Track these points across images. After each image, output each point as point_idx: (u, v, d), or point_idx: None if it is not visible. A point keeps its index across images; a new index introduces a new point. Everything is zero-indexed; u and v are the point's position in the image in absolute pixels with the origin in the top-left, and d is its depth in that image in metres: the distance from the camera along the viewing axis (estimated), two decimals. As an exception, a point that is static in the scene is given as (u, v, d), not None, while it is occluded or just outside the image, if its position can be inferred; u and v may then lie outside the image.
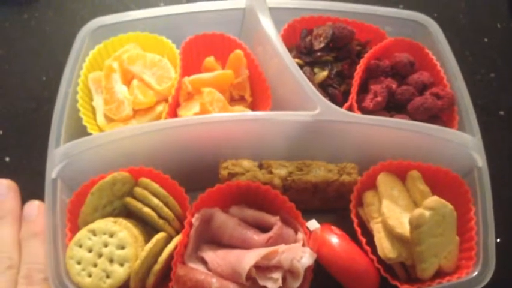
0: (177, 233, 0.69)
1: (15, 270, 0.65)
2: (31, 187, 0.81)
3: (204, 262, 0.68)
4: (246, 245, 0.68)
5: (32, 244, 0.67)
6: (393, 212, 0.69)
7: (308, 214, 0.70)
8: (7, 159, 0.87)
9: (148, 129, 0.71)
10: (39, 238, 0.67)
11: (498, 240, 0.79)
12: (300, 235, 0.69)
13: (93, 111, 0.81)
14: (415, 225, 0.65)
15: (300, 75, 0.76)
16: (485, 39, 1.04)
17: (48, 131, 0.73)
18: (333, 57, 0.85)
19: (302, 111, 0.73)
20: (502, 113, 0.96)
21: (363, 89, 0.85)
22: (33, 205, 0.70)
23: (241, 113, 0.79)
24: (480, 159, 0.74)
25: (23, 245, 0.67)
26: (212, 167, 0.73)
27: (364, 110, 0.81)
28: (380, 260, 0.68)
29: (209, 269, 0.66)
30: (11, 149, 0.88)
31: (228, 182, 0.70)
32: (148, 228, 0.70)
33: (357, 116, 0.75)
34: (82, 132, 0.76)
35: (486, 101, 0.95)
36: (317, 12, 0.89)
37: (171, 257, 0.66)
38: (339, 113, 0.73)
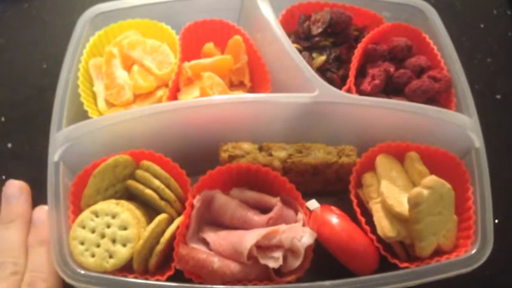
0: (179, 214, 0.70)
1: (19, 276, 0.65)
2: (33, 172, 0.82)
3: (205, 243, 0.68)
4: (247, 226, 0.68)
5: (38, 251, 0.66)
6: (392, 192, 0.70)
7: (308, 197, 0.71)
8: (9, 145, 0.88)
9: (149, 111, 0.72)
10: (46, 246, 0.66)
11: (496, 221, 0.80)
12: (300, 215, 0.69)
13: (94, 96, 0.82)
14: (413, 203, 0.65)
15: (298, 58, 0.77)
16: (482, 25, 1.05)
17: (49, 117, 0.73)
18: (331, 42, 0.86)
19: (301, 93, 0.74)
20: (498, 96, 0.96)
21: (361, 73, 0.86)
22: (43, 210, 0.69)
23: (241, 95, 0.80)
24: (477, 140, 0.74)
25: (30, 252, 0.66)
26: (212, 150, 0.74)
27: (362, 93, 0.81)
28: (379, 239, 0.69)
29: (210, 249, 0.67)
30: (13, 135, 0.89)
31: (229, 164, 0.71)
32: (150, 211, 0.71)
33: (355, 97, 0.76)
34: (83, 117, 0.76)
35: (483, 85, 0.96)
36: (315, -2, 0.90)
37: (173, 237, 0.67)
38: (338, 94, 0.74)
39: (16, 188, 0.70)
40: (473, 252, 0.68)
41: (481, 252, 0.68)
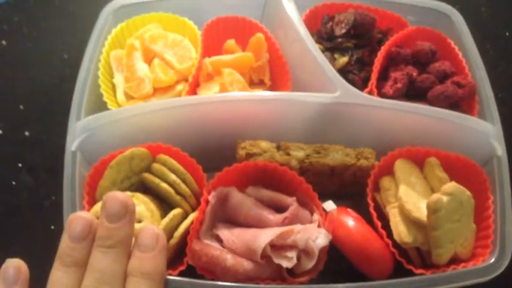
0: (193, 210, 0.69)
1: None
2: (50, 161, 0.82)
3: (219, 240, 0.68)
4: (261, 225, 0.68)
5: (139, 285, 0.51)
6: (410, 197, 0.69)
7: (324, 198, 0.70)
8: (27, 133, 0.88)
9: (168, 105, 0.71)
10: (151, 280, 0.51)
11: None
12: (316, 216, 0.69)
13: (113, 88, 0.82)
14: (432, 209, 0.64)
15: (321, 58, 0.76)
16: (507, 33, 1.04)
17: (68, 107, 0.73)
18: (353, 43, 0.85)
19: (322, 93, 0.73)
20: (522, 105, 0.95)
21: (383, 77, 0.85)
22: (153, 233, 0.53)
23: (261, 92, 0.79)
24: (500, 148, 0.73)
25: (129, 282, 0.51)
26: (230, 147, 0.73)
27: (383, 96, 0.80)
28: (395, 244, 0.68)
29: (224, 247, 0.67)
30: (31, 124, 0.89)
31: (246, 162, 0.70)
32: (164, 205, 0.71)
33: (377, 99, 0.75)
34: (102, 108, 0.76)
35: (506, 93, 0.94)
36: (339, -1, 0.89)
37: (186, 232, 0.66)
38: (359, 96, 0.73)
39: (120, 206, 0.53)
40: (491, 261, 0.67)
41: (499, 263, 0.67)
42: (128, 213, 0.52)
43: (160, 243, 0.53)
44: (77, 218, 0.51)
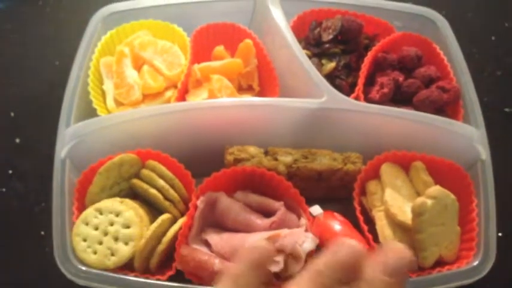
0: (182, 215, 0.70)
1: None
2: (40, 168, 0.83)
3: (207, 244, 0.69)
4: (249, 229, 0.69)
5: None
6: (396, 201, 0.70)
7: (312, 202, 0.71)
8: (17, 140, 0.89)
9: (157, 112, 0.72)
10: None
11: (500, 234, 0.80)
12: (303, 221, 0.69)
13: (103, 94, 0.82)
14: (416, 213, 0.65)
15: (308, 64, 0.77)
16: (493, 38, 1.05)
17: (59, 114, 0.74)
18: (341, 49, 0.86)
19: (309, 99, 0.74)
20: (507, 109, 0.96)
21: (370, 82, 0.86)
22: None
23: (249, 98, 0.80)
24: (484, 152, 0.74)
25: None
26: (218, 152, 0.74)
27: (370, 101, 0.81)
28: (381, 248, 0.69)
29: (212, 251, 0.67)
30: (22, 131, 0.90)
31: (234, 167, 0.71)
32: (153, 211, 0.71)
33: (363, 104, 0.76)
34: (92, 115, 0.77)
35: (492, 98, 0.95)
36: (327, 5, 0.90)
37: (175, 238, 0.67)
38: (345, 101, 0.74)
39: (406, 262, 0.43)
40: (475, 264, 0.68)
41: (483, 265, 0.68)
42: (402, 275, 0.43)
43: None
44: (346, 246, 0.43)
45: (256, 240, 0.52)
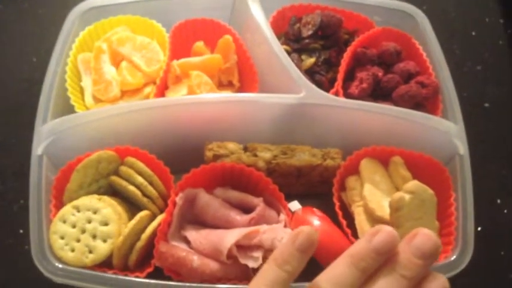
0: (161, 211, 0.70)
1: None
2: (18, 166, 0.82)
3: (186, 241, 0.68)
4: (229, 225, 0.68)
5: None
6: (374, 196, 0.70)
7: (292, 198, 0.71)
8: (-5, 137, 0.88)
9: (135, 108, 0.71)
10: None
11: (479, 228, 0.80)
12: (282, 216, 0.69)
13: (81, 91, 0.82)
14: (394, 208, 0.66)
15: (286, 60, 0.77)
16: (473, 33, 1.05)
17: (36, 111, 0.73)
18: (320, 44, 0.86)
19: (287, 94, 0.74)
20: (487, 105, 0.97)
21: (350, 77, 0.86)
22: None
23: (227, 94, 0.80)
24: (462, 147, 0.74)
25: None
26: (198, 149, 0.74)
27: (349, 97, 0.81)
28: (360, 243, 0.69)
29: (191, 248, 0.67)
30: (0, 128, 0.89)
31: (213, 163, 0.71)
32: (132, 208, 0.71)
33: (342, 100, 0.76)
34: (70, 112, 0.76)
35: (472, 93, 0.96)
36: (306, 0, 0.90)
37: (154, 234, 0.67)
38: (324, 96, 0.74)
39: (434, 247, 0.46)
40: (452, 258, 0.68)
41: (461, 259, 0.68)
42: (432, 258, 0.46)
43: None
44: (384, 232, 0.46)
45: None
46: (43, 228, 0.66)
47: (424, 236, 0.46)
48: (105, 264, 0.66)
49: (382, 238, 0.46)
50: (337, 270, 0.47)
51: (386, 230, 0.46)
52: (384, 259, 0.46)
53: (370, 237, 0.46)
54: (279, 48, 0.78)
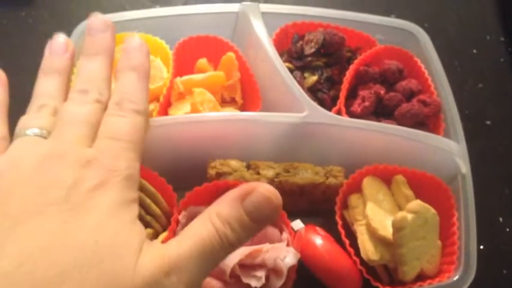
0: (164, 229, 0.70)
1: (103, 106, 0.53)
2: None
3: (189, 259, 0.68)
4: (231, 244, 0.68)
5: (129, 76, 0.55)
6: (377, 215, 0.70)
7: (295, 216, 0.71)
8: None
9: (139, 126, 0.72)
10: (136, 72, 0.55)
11: (481, 247, 0.80)
12: (285, 235, 0.69)
13: (85, 108, 0.82)
14: (397, 227, 0.66)
15: (289, 78, 0.77)
16: (474, 51, 1.06)
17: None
18: (323, 62, 0.86)
19: (290, 113, 0.74)
20: (488, 122, 0.97)
21: (352, 95, 0.86)
22: (136, 40, 0.58)
23: (230, 112, 0.80)
24: (464, 166, 0.75)
25: (119, 77, 0.56)
26: (201, 166, 0.74)
27: (352, 115, 0.82)
28: (362, 262, 0.69)
29: (194, 266, 0.67)
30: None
31: (216, 181, 0.71)
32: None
33: (344, 119, 0.77)
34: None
35: (473, 110, 0.96)
36: (309, 18, 0.90)
37: (156, 253, 0.67)
38: (326, 115, 0.75)
39: (100, 21, 0.58)
40: (455, 278, 0.68)
41: (464, 279, 0.68)
42: (109, 29, 0.58)
43: (142, 46, 0.57)
44: (55, 38, 0.59)
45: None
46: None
47: (92, 16, 0.58)
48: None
49: (53, 43, 0.59)
50: (36, 88, 0.59)
51: (55, 36, 0.59)
52: (68, 58, 0.58)
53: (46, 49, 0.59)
54: (281, 66, 0.78)
